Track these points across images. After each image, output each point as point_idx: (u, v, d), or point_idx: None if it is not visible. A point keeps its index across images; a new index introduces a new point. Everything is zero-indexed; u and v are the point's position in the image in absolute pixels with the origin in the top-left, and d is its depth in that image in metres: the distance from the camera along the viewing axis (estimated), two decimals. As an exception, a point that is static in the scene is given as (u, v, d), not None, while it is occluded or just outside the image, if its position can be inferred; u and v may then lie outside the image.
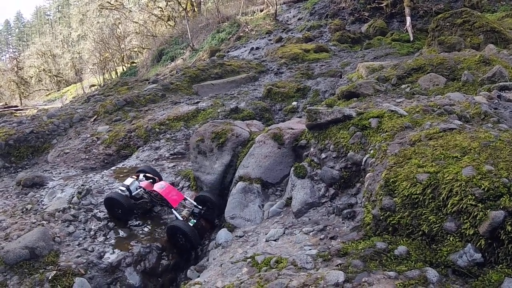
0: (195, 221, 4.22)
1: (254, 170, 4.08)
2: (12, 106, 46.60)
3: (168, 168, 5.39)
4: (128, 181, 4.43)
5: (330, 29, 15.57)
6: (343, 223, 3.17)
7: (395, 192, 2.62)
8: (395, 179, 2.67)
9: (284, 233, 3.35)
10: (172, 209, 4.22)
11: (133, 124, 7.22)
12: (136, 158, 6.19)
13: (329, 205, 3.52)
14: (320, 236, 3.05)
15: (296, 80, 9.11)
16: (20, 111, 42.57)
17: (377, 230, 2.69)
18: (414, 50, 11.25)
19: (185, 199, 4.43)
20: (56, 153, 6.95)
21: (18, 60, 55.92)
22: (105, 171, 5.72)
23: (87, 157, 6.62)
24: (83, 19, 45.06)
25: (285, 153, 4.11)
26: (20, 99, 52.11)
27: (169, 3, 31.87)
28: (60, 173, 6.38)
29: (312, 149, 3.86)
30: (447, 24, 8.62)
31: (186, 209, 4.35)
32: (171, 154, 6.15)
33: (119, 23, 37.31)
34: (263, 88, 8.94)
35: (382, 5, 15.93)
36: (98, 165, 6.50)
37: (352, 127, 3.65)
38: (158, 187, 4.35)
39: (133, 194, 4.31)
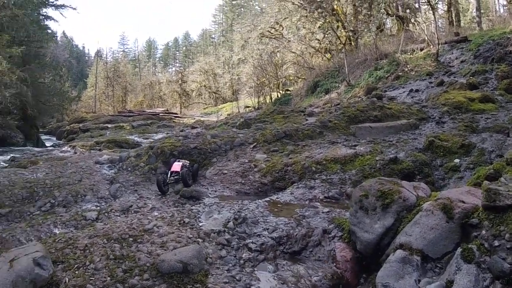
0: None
1: (417, 240, 3.82)
2: (172, 113, 51.60)
3: (323, 212, 5.26)
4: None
5: (496, 76, 14.21)
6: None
7: None
8: None
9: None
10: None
11: (290, 158, 7.31)
12: (290, 194, 6.22)
13: (492, 301, 3.17)
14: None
15: (460, 134, 8.43)
16: (179, 118, 46.81)
17: None
18: None
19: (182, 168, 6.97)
20: (214, 171, 7.40)
21: (182, 74, 62.11)
22: (259, 200, 5.87)
23: (243, 181, 6.91)
24: (244, 45, 48.02)
25: (452, 229, 3.77)
26: (180, 108, 57.73)
27: (326, 35, 32.36)
28: (215, 191, 6.79)
29: (483, 232, 3.48)
30: None
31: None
32: (325, 197, 6.06)
33: (277, 51, 38.95)
34: (423, 138, 8.48)
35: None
36: (252, 191, 6.74)
37: (535, 219, 3.25)
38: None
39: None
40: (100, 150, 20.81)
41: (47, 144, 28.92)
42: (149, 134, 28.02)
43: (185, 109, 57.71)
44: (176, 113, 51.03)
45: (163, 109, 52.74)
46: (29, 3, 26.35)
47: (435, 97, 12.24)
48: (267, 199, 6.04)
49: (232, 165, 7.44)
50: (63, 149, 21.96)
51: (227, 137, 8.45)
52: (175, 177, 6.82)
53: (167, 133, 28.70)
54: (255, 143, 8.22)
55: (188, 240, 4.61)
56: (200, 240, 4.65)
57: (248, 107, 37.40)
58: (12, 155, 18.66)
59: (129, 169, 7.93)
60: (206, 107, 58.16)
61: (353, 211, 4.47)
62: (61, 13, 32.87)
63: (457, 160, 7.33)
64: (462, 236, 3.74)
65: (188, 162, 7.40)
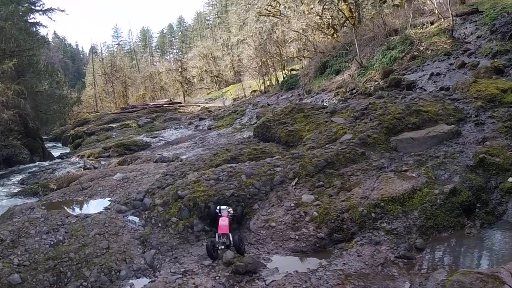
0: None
1: None
2: (176, 102, 51.11)
3: (403, 288, 4.64)
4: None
5: (520, 57, 13.45)
6: None
7: None
8: None
9: None
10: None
11: (343, 200, 6.56)
12: (358, 255, 5.50)
13: None
14: None
15: (508, 145, 7.85)
16: (183, 107, 46.25)
17: None
18: None
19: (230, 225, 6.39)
20: (260, 223, 6.66)
21: (182, 62, 61.10)
22: (328, 274, 5.19)
23: (296, 237, 6.12)
24: (242, 26, 46.98)
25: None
26: (184, 96, 57.02)
27: (325, 7, 31.24)
28: (268, 253, 6.03)
29: None
30: None
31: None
32: (396, 257, 5.37)
33: (276, 29, 37.95)
34: (469, 149, 8.04)
35: None
36: (308, 248, 5.98)
37: None
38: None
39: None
40: (109, 156, 20.35)
41: (54, 154, 28.53)
42: (157, 132, 27.42)
43: (188, 97, 56.99)
44: (180, 102, 50.48)
45: (166, 100, 52.18)
46: (15, 13, 25.36)
47: (464, 87, 11.59)
48: (336, 268, 5.34)
49: (278, 213, 6.71)
50: (72, 160, 21.41)
51: (264, 174, 7.66)
52: (224, 241, 6.06)
53: (176, 128, 28.13)
54: (297, 179, 7.48)
55: None
56: None
57: (254, 91, 36.53)
58: (21, 176, 18.21)
59: (160, 224, 6.98)
60: (210, 92, 57.40)
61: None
62: (49, 17, 31.97)
63: (510, 179, 6.97)
64: None
65: (231, 208, 6.74)
